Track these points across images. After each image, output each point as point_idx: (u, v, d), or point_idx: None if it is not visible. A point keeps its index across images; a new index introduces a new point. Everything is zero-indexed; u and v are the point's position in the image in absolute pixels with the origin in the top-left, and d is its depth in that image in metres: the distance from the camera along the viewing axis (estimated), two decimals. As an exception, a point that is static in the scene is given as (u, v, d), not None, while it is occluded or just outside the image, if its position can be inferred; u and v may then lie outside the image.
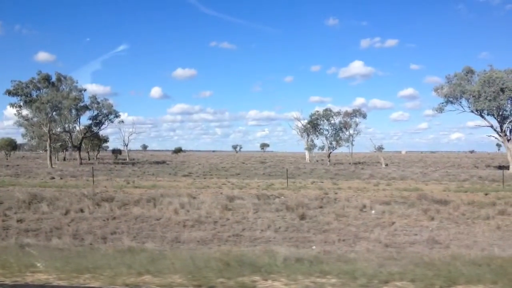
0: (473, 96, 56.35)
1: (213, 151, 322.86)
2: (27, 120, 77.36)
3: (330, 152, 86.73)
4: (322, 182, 37.66)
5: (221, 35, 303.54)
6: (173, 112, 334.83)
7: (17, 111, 73.34)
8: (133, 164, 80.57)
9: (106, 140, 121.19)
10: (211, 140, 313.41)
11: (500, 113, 57.50)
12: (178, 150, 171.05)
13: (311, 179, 41.72)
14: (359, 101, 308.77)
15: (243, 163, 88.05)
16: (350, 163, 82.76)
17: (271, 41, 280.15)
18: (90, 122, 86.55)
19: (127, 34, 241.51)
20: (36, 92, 72.19)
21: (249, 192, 28.71)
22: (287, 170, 43.51)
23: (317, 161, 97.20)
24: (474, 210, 20.01)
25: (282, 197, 25.43)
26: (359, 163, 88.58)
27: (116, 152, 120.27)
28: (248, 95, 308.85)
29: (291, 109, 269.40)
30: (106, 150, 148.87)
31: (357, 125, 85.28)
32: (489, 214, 18.62)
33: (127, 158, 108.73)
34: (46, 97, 69.79)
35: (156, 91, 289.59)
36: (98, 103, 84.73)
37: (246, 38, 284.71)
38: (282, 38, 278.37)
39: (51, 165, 67.72)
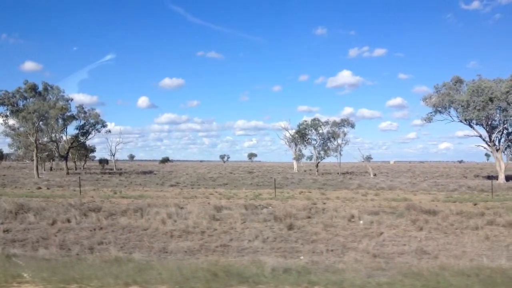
0: (461, 106, 56.58)
1: (201, 161, 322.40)
2: (13, 129, 76.97)
3: (318, 162, 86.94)
4: (310, 192, 37.68)
5: (209, 45, 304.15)
6: (160, 121, 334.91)
7: (3, 120, 73.22)
8: (120, 174, 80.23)
9: (93, 150, 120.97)
10: (198, 150, 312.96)
11: (489, 122, 57.79)
12: (165, 160, 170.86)
13: (299, 189, 41.70)
14: (347, 111, 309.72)
15: (231, 173, 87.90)
16: (338, 173, 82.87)
17: (258, 50, 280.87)
18: (77, 132, 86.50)
19: (114, 44, 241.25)
20: (23, 101, 72.00)
21: (237, 202, 28.63)
22: (275, 180, 43.45)
23: (305, 171, 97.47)
24: (463, 220, 20.01)
25: (270, 207, 25.35)
26: (348, 173, 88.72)
27: (103, 162, 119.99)
28: (236, 104, 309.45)
29: (279, 119, 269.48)
30: (93, 160, 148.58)
31: (345, 134, 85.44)
32: (478, 224, 18.63)
33: (114, 168, 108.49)
34: (33, 106, 69.49)
35: (143, 101, 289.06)
36: (85, 112, 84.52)
37: (233, 47, 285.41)
38: (270, 48, 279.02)
39: (38, 175, 67.18)
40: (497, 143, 58.79)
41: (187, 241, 15.66)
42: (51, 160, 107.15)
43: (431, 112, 61.27)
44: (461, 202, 29.11)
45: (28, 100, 72.00)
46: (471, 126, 59.54)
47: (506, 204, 28.11)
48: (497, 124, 58.26)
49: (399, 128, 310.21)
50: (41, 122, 73.32)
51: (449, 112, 60.12)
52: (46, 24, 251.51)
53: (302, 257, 12.65)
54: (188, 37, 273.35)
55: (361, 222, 19.93)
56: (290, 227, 18.29)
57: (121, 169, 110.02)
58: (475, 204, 27.78)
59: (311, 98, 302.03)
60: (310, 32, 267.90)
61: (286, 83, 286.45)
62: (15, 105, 70.94)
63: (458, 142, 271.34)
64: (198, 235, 16.93)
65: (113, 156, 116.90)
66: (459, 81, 59.88)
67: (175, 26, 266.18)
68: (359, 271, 8.65)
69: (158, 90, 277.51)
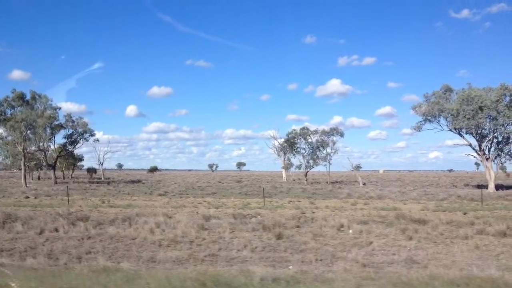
0: (451, 115, 56.84)
1: (189, 170, 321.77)
2: (1, 138, 76.71)
3: (307, 171, 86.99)
4: (299, 201, 37.66)
5: (197, 53, 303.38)
6: (148, 130, 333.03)
7: (-9, 130, 72.78)
8: (108, 183, 79.83)
9: (81, 159, 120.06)
10: (187, 159, 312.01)
11: (479, 131, 58.06)
12: (153, 169, 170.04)
13: (288, 198, 41.67)
14: (336, 120, 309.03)
15: (219, 182, 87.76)
16: (327, 182, 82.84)
17: (247, 59, 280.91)
18: (65, 140, 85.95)
19: (102, 52, 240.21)
20: (11, 110, 71.54)
21: (225, 211, 28.60)
22: (263, 189, 43.42)
23: (294, 180, 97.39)
24: (452, 230, 20.03)
25: (259, 217, 25.30)
26: (337, 182, 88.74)
27: (91, 171, 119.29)
28: (225, 113, 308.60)
29: (268, 128, 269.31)
30: (81, 169, 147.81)
31: (334, 143, 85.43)
32: (467, 234, 18.67)
33: (102, 177, 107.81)
34: (21, 115, 69.04)
35: (131, 110, 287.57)
36: (73, 121, 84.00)
37: (222, 56, 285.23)
38: (259, 56, 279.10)
39: (26, 184, 66.73)
40: (487, 152, 59.02)
41: (176, 251, 15.59)
42: (39, 169, 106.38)
43: (420, 121, 61.56)
44: (451, 211, 29.18)
45: (16, 109, 71.61)
46: (460, 135, 59.83)
47: (496, 213, 28.29)
48: (487, 133, 58.50)
49: (388, 137, 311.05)
50: (29, 131, 72.80)
51: (438, 121, 60.40)
52: (34, 32, 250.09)
53: (291, 267, 12.61)
54: (176, 45, 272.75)
55: (351, 231, 19.92)
56: (279, 237, 18.25)
57: (109, 178, 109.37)
58: (464, 214, 27.87)
59: (300, 107, 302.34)
60: (299, 40, 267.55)
61: (275, 92, 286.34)
62: (3, 114, 70.52)
63: (448, 151, 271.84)
64: (187, 245, 16.86)
65: (101, 165, 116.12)
66: (448, 89, 60.24)
67: (163, 34, 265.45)
68: (349, 281, 8.64)
69: (146, 99, 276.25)
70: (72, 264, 12.52)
